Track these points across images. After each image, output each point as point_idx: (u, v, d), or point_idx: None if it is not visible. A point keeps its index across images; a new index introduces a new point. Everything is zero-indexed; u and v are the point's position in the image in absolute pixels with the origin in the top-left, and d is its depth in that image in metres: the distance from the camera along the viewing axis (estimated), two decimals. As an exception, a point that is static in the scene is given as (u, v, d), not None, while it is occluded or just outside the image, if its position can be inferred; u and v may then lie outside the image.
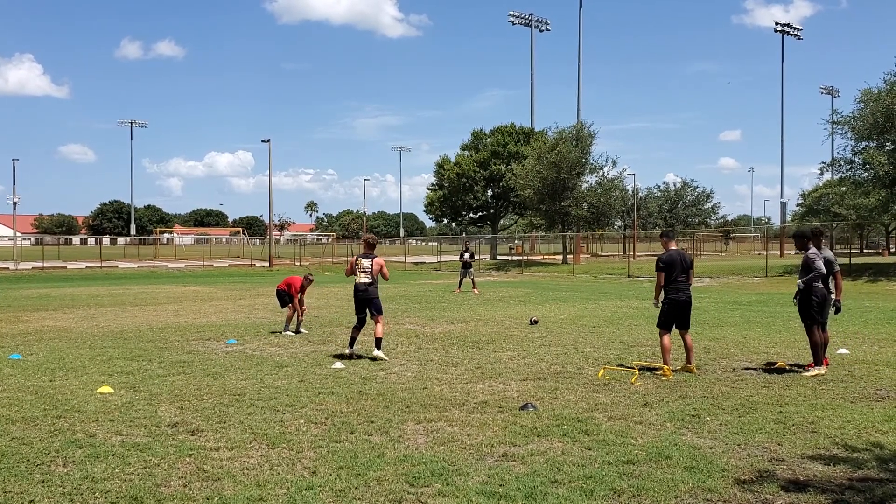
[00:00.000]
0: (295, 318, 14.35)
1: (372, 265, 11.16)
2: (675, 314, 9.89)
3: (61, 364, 10.59)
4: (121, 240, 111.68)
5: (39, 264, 48.42)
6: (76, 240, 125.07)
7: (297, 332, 14.11)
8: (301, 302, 14.40)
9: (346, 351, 11.27)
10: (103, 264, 51.47)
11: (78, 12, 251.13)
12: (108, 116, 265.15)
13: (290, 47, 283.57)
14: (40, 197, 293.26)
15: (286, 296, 14.38)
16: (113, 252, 75.87)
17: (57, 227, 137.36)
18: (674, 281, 9.87)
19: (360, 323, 11.40)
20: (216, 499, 5.08)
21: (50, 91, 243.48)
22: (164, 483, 5.40)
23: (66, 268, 49.21)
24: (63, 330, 14.88)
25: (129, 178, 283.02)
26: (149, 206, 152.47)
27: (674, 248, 10.01)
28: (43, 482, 5.43)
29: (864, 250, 65.62)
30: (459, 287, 26.87)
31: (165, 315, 17.98)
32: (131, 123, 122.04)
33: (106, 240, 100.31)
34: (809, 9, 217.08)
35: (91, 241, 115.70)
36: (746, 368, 10.05)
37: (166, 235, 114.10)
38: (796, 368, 9.83)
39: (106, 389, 8.65)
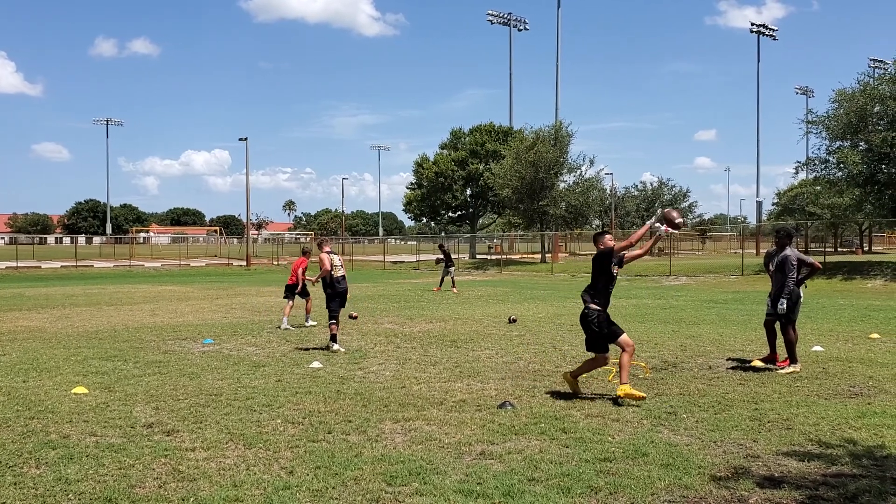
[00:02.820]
0: (305, 306, 15.29)
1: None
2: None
3: (35, 364, 10.46)
4: (96, 239, 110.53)
5: (13, 264, 47.75)
6: (51, 239, 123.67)
7: (307, 324, 14.86)
8: (304, 290, 14.96)
9: (335, 347, 11.71)
10: (78, 264, 50.88)
11: (51, 9, 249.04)
12: (82, 115, 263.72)
13: (266, 46, 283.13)
14: (14, 196, 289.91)
15: (293, 287, 15.02)
16: (88, 251, 74.95)
17: (31, 227, 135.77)
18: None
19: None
20: (192, 499, 5.04)
21: (23, 89, 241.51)
22: (139, 484, 5.35)
23: (40, 267, 48.60)
24: (37, 330, 14.69)
25: (105, 177, 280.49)
26: (125, 204, 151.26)
27: None
28: (15, 484, 5.35)
29: (839, 249, 66.40)
30: (440, 286, 26.94)
31: (141, 315, 17.81)
32: (107, 122, 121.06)
33: (81, 239, 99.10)
34: (781, 10, 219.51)
35: (66, 240, 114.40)
36: (730, 359, 10.12)
37: (142, 234, 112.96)
38: (771, 367, 9.91)
39: (80, 390, 8.55)
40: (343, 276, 11.95)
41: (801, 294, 10.18)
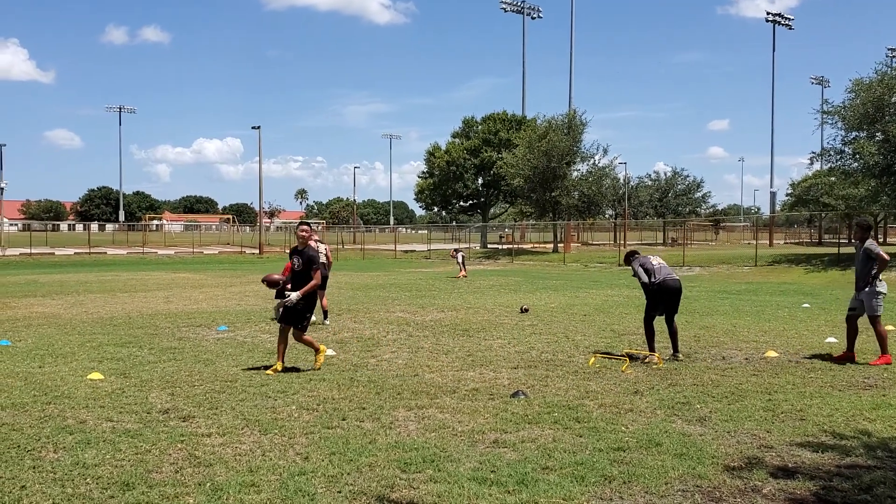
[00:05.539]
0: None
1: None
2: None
3: (50, 350, 10.55)
4: (109, 226, 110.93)
5: (27, 250, 48.05)
6: (64, 226, 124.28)
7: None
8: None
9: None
10: (92, 251, 51.14)
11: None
12: (93, 102, 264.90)
13: (277, 33, 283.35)
14: (27, 183, 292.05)
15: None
16: (101, 238, 75.25)
17: (44, 213, 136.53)
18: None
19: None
20: (208, 484, 5.08)
21: (36, 76, 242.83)
22: (156, 469, 5.40)
23: (53, 254, 48.90)
24: (52, 316, 14.81)
25: (118, 164, 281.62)
26: (137, 192, 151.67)
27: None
28: (34, 468, 5.41)
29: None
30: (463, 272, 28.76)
31: (155, 302, 17.92)
32: (119, 109, 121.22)
33: (94, 226, 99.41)
34: (795, 0, 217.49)
35: (79, 227, 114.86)
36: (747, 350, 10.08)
37: (155, 222, 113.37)
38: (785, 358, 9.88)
39: (96, 376, 8.63)
40: (323, 265, 13.17)
41: (884, 288, 10.43)
